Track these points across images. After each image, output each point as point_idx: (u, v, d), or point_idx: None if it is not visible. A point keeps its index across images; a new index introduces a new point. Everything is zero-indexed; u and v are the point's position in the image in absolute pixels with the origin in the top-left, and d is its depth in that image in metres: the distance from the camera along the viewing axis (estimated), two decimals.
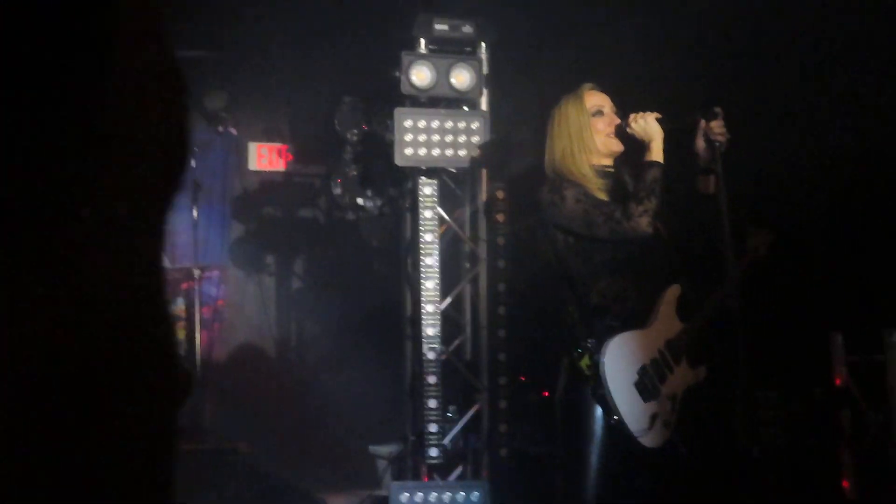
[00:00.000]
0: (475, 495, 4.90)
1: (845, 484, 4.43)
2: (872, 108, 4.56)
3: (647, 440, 3.36)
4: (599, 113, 3.57)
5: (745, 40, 4.89)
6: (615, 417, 3.32)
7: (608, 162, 3.60)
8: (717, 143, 3.39)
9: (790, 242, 3.94)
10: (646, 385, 3.39)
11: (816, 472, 4.49)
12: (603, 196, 3.50)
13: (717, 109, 3.42)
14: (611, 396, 3.33)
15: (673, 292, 3.54)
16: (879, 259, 4.48)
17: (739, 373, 3.21)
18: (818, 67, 4.67)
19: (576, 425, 3.44)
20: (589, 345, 3.41)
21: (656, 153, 3.45)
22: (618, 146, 3.58)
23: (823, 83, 4.65)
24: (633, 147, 3.57)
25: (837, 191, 4.72)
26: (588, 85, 3.64)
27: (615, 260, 3.46)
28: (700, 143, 3.48)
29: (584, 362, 3.40)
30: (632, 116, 3.49)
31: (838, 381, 4.46)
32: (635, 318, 3.46)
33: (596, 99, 3.60)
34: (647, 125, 3.46)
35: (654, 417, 3.37)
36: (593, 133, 3.55)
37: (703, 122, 3.43)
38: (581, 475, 3.42)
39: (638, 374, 3.39)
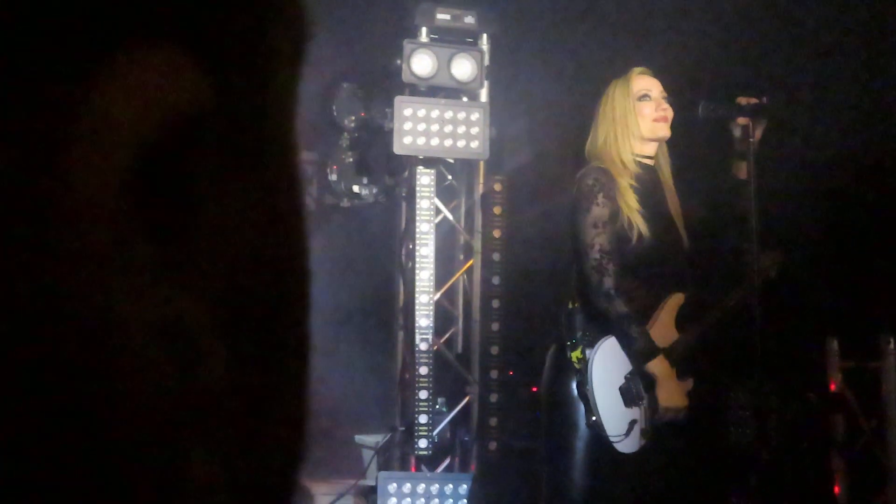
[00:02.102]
0: (463, 488, 4.89)
1: (836, 489, 4.44)
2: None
3: (623, 445, 3.33)
4: (646, 97, 3.50)
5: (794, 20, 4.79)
6: (593, 418, 3.31)
7: (651, 151, 3.55)
8: (751, 131, 3.36)
9: (787, 243, 3.93)
10: (630, 390, 3.36)
11: (808, 477, 4.50)
12: (632, 197, 3.43)
13: (759, 100, 3.38)
14: (592, 396, 3.31)
15: (675, 300, 3.49)
16: (877, 264, 4.49)
17: (755, 379, 3.20)
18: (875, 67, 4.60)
19: (561, 418, 3.42)
20: (585, 336, 3.39)
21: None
22: (664, 132, 3.52)
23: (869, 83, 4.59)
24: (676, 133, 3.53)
25: (837, 194, 4.72)
26: (637, 69, 3.57)
27: (629, 256, 3.43)
28: (737, 128, 3.46)
29: (576, 354, 3.38)
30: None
31: (833, 387, 4.46)
32: (638, 319, 3.43)
33: (643, 83, 3.53)
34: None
35: (632, 424, 3.35)
36: (638, 118, 3.49)
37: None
38: (566, 469, 3.41)
39: (625, 378, 3.37)
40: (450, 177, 5.45)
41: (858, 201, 4.64)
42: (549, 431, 3.57)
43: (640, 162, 3.52)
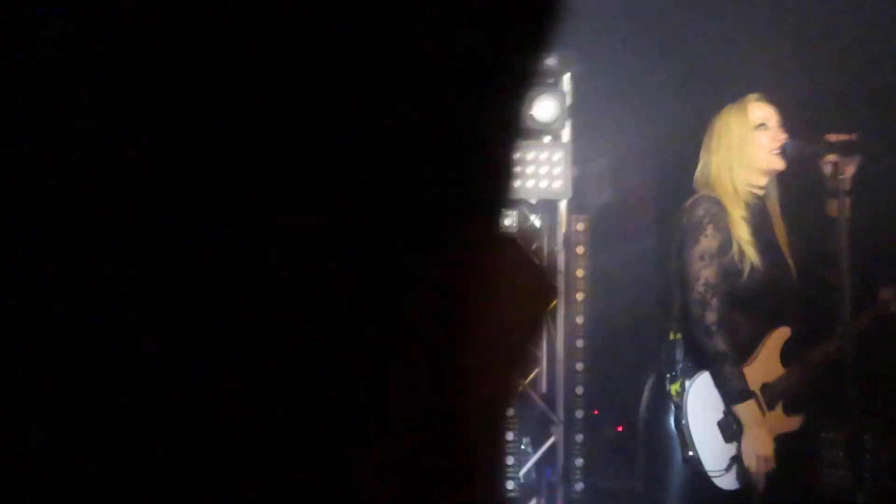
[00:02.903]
0: None
1: None
2: None
3: (723, 482, 3.26)
4: (764, 126, 3.42)
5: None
6: (690, 453, 3.25)
7: (764, 182, 3.47)
8: (841, 168, 3.31)
9: (879, 280, 3.85)
10: (730, 425, 3.30)
11: None
12: (745, 228, 3.38)
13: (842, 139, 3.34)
14: (688, 430, 3.26)
15: (781, 334, 3.42)
16: None
17: (849, 418, 3.14)
18: None
19: (658, 451, 3.37)
20: (686, 369, 3.33)
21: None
22: (780, 164, 3.42)
23: None
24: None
25: None
26: (753, 95, 3.48)
27: (738, 289, 3.37)
28: (826, 165, 3.39)
29: (676, 387, 3.33)
30: None
31: None
32: (740, 353, 3.36)
33: (761, 111, 3.44)
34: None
35: (734, 459, 3.28)
36: (755, 148, 3.41)
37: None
38: (660, 502, 3.36)
39: (724, 412, 3.31)
40: (532, 217, 5.46)
41: None
42: (646, 465, 3.51)
43: (752, 192, 3.46)
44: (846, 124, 3.45)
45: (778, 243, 3.49)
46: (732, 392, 3.26)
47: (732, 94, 3.65)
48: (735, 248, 3.35)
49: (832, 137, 3.37)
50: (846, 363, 3.24)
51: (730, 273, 3.34)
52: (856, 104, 4.61)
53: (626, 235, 5.77)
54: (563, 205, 5.35)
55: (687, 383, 3.29)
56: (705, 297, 3.30)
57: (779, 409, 3.39)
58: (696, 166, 3.57)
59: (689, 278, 3.34)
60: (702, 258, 3.34)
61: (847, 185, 3.36)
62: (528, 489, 5.20)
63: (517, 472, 4.94)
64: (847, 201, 3.35)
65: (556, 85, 5.33)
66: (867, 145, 3.37)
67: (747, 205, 3.42)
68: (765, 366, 3.38)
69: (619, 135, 5.64)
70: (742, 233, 3.37)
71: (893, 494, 4.28)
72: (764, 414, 3.32)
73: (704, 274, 3.32)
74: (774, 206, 3.52)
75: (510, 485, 4.90)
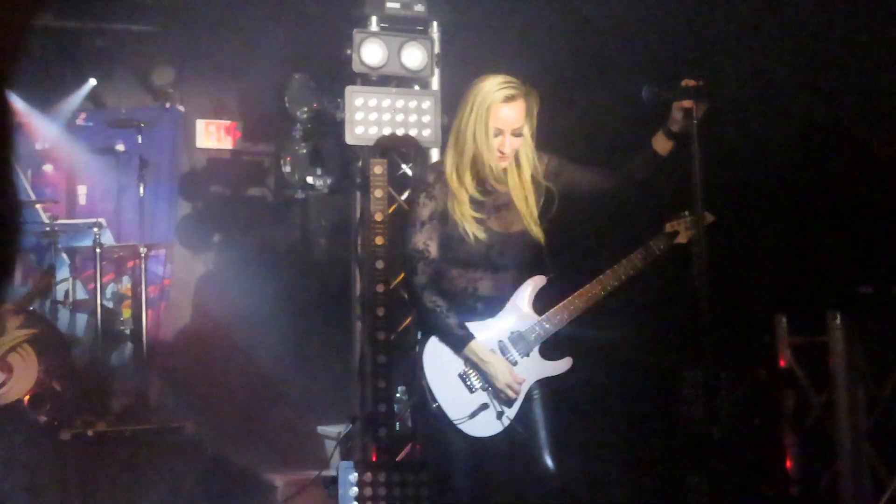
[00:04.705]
0: (424, 475, 4.90)
1: (788, 464, 4.50)
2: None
3: (470, 428, 3.38)
4: (498, 134, 3.40)
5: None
6: (434, 405, 3.39)
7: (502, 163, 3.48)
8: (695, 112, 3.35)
9: (734, 222, 3.96)
10: (468, 377, 3.42)
11: (761, 453, 4.56)
12: (466, 202, 3.44)
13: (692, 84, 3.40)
14: (427, 385, 3.40)
15: (534, 283, 3.51)
16: (823, 240, 4.55)
17: (705, 358, 3.24)
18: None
19: (420, 404, 3.51)
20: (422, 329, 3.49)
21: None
22: (500, 165, 3.45)
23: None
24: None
25: (782, 171, 4.78)
26: (500, 95, 3.38)
27: (468, 252, 3.46)
28: (679, 110, 3.41)
29: (418, 347, 3.50)
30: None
31: (782, 363, 4.52)
32: (485, 311, 3.47)
33: (502, 117, 3.39)
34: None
35: (482, 407, 3.40)
36: (486, 149, 3.40)
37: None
38: (438, 452, 3.50)
39: (465, 364, 3.42)
40: (403, 166, 5.45)
41: (803, 179, 4.70)
42: (417, 416, 3.66)
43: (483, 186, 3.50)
44: (696, 71, 3.51)
45: (517, 208, 3.50)
46: (455, 340, 3.42)
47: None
48: (457, 214, 3.42)
49: (688, 82, 3.44)
50: (702, 304, 3.30)
51: (452, 238, 3.44)
52: (704, 52, 4.72)
53: None
54: (434, 153, 5.36)
55: (424, 342, 3.45)
56: (412, 261, 3.46)
57: (536, 354, 3.50)
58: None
59: (405, 243, 3.50)
60: (413, 224, 3.48)
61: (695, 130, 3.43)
62: (404, 436, 5.24)
63: (391, 420, 4.98)
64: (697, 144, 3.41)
65: (425, 32, 5.31)
66: (717, 90, 3.44)
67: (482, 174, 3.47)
68: (514, 315, 3.49)
69: None
70: (463, 208, 3.42)
71: (747, 428, 4.48)
72: (514, 363, 3.45)
73: (413, 239, 3.46)
74: (519, 175, 3.50)
75: (383, 432, 4.94)
